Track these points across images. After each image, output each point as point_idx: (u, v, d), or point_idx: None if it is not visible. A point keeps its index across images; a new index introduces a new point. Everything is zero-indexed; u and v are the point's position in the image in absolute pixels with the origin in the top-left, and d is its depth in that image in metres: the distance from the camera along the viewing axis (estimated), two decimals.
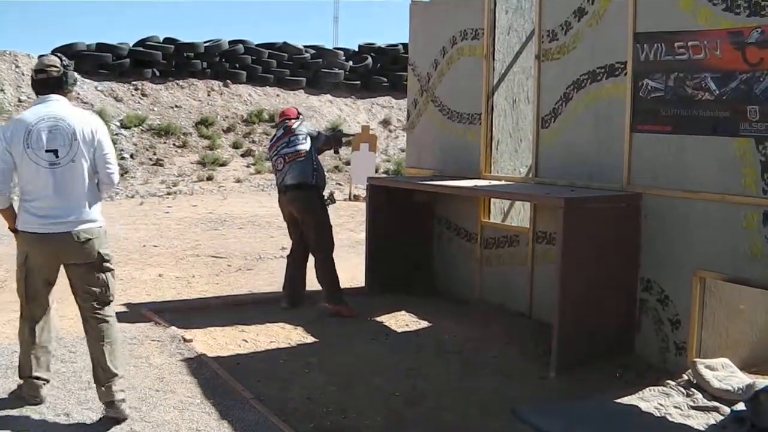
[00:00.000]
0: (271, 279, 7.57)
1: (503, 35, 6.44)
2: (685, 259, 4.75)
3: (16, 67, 16.86)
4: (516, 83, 6.58)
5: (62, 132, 3.98)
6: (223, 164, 16.74)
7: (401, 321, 6.09)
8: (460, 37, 6.59)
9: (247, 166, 16.93)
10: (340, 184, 16.10)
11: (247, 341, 5.54)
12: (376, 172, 15.65)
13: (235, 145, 17.54)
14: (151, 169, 16.02)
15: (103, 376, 4.03)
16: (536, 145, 5.87)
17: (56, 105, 4.08)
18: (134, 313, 6.11)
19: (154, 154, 16.45)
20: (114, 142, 15.82)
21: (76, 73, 4.30)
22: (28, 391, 4.16)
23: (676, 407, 4.26)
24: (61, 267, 4.12)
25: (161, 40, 18.92)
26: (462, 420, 4.20)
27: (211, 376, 4.67)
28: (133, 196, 14.61)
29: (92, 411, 4.08)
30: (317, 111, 19.04)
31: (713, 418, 4.14)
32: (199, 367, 4.84)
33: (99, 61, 17.81)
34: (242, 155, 17.34)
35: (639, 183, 5.05)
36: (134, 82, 18.06)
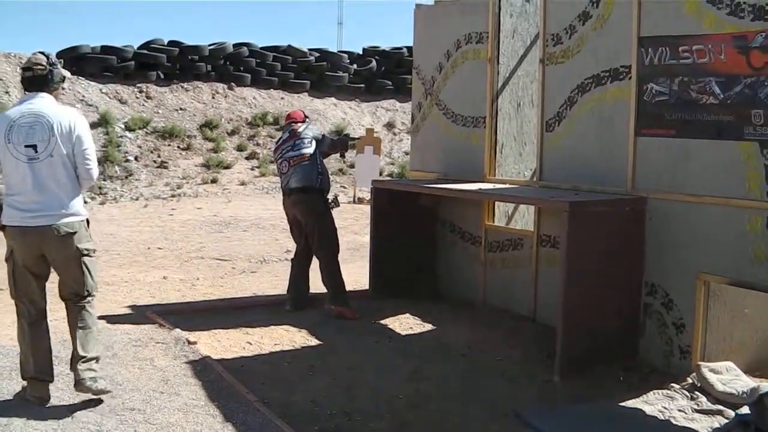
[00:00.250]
0: (275, 281, 7.58)
1: (508, 39, 6.44)
2: (689, 263, 4.75)
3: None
4: (520, 87, 6.59)
5: (41, 128, 4.11)
6: (227, 167, 16.76)
7: (405, 324, 6.09)
8: (465, 41, 6.60)
9: (252, 169, 16.94)
10: (344, 187, 16.12)
11: (251, 344, 5.55)
12: (381, 175, 15.65)
13: (240, 148, 17.56)
14: (155, 171, 16.04)
15: (73, 360, 4.22)
16: (540, 149, 5.88)
17: (40, 102, 4.20)
18: (139, 315, 6.13)
19: (159, 156, 16.47)
20: (118, 145, 16.04)
21: (64, 71, 4.41)
22: (32, 393, 4.18)
23: (680, 411, 4.25)
24: None
25: (166, 43, 18.94)
26: (465, 423, 4.20)
27: (216, 379, 4.68)
28: (137, 199, 14.63)
29: (96, 413, 4.09)
30: (322, 114, 19.06)
31: (717, 422, 4.13)
32: (203, 369, 4.85)
33: (104, 64, 17.84)
34: (246, 158, 17.35)
35: (643, 187, 5.05)
36: (139, 85, 18.09)
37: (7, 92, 16.18)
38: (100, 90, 17.52)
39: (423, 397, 4.53)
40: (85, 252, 4.23)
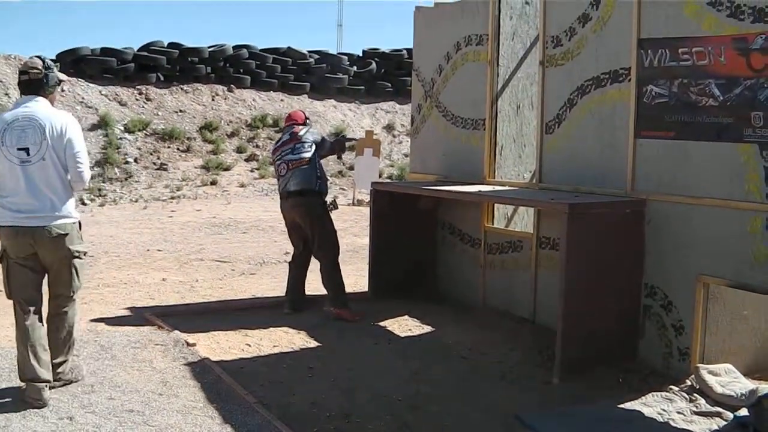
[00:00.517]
0: (274, 283, 7.58)
1: (507, 41, 6.45)
2: (688, 265, 4.75)
3: None
4: (520, 89, 6.59)
5: (33, 131, 4.17)
6: (227, 169, 16.76)
7: (404, 326, 6.09)
8: (465, 43, 6.60)
9: (251, 171, 16.95)
10: (343, 189, 16.12)
11: (250, 345, 5.54)
12: (380, 177, 15.66)
13: (239, 150, 17.57)
14: (155, 173, 16.04)
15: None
16: (540, 151, 5.88)
17: (35, 105, 4.27)
18: (138, 317, 6.13)
19: (158, 158, 16.47)
20: (118, 147, 16.05)
21: (61, 75, 4.49)
22: (31, 395, 4.17)
23: (679, 413, 4.25)
24: None
25: (165, 45, 18.96)
26: (465, 425, 4.19)
27: (215, 381, 4.67)
28: (136, 200, 14.64)
29: (95, 414, 4.09)
30: (321, 116, 19.06)
31: (716, 424, 4.13)
32: (202, 371, 4.84)
33: (103, 66, 17.85)
34: (246, 160, 17.36)
35: (643, 189, 5.05)
36: (138, 87, 18.09)
37: (6, 94, 16.17)
38: (100, 92, 17.52)
39: (422, 399, 4.53)
40: (76, 254, 4.32)
